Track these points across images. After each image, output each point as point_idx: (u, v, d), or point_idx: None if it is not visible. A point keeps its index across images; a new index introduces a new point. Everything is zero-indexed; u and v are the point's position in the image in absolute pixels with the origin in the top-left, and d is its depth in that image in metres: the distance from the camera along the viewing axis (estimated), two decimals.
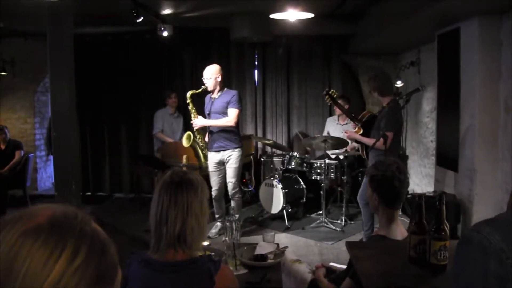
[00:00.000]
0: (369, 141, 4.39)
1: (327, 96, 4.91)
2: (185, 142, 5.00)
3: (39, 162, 7.67)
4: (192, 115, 4.89)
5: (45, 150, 7.84)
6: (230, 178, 4.87)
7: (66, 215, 0.71)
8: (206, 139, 5.02)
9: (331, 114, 6.96)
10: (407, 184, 2.14)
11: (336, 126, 6.33)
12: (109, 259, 0.72)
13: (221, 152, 4.83)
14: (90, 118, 7.37)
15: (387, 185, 2.07)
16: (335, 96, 4.95)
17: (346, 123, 6.08)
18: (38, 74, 7.34)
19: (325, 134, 6.28)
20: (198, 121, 4.85)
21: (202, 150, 5.04)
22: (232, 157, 4.82)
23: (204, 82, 4.75)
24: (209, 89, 4.77)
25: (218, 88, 4.78)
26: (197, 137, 4.98)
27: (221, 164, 4.89)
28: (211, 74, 4.72)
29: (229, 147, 4.81)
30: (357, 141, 4.82)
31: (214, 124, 4.80)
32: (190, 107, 4.87)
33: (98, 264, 0.69)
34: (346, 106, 6.08)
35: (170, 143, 6.21)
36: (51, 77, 4.30)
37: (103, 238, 0.73)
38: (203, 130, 5.02)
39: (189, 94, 4.86)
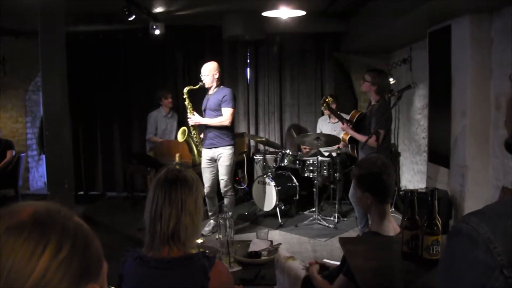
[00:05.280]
0: (361, 137, 4.42)
1: (324, 104, 4.92)
2: (180, 137, 5.02)
3: (31, 161, 7.61)
4: (188, 111, 4.91)
5: (37, 150, 7.79)
6: (222, 176, 4.88)
7: (48, 211, 0.71)
8: (202, 135, 5.03)
9: (322, 113, 6.96)
10: (394, 176, 2.17)
11: (328, 125, 6.36)
12: (93, 253, 0.73)
13: (213, 149, 4.85)
14: (83, 116, 7.34)
15: (376, 182, 2.09)
16: (330, 103, 4.98)
17: (338, 121, 6.10)
18: (29, 73, 7.28)
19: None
20: (194, 118, 4.88)
21: (196, 146, 5.05)
22: (223, 154, 4.83)
23: (202, 79, 4.78)
24: (207, 85, 4.80)
25: (215, 84, 4.82)
26: (192, 133, 5.00)
27: (213, 161, 4.90)
28: (209, 70, 4.75)
29: (220, 144, 4.82)
30: (348, 141, 4.84)
31: (209, 123, 4.82)
32: (186, 102, 4.91)
33: (82, 259, 0.69)
34: (334, 105, 6.11)
35: (162, 141, 6.19)
36: (43, 76, 4.27)
37: (86, 232, 0.74)
38: (199, 127, 5.04)
39: (186, 90, 4.91)
